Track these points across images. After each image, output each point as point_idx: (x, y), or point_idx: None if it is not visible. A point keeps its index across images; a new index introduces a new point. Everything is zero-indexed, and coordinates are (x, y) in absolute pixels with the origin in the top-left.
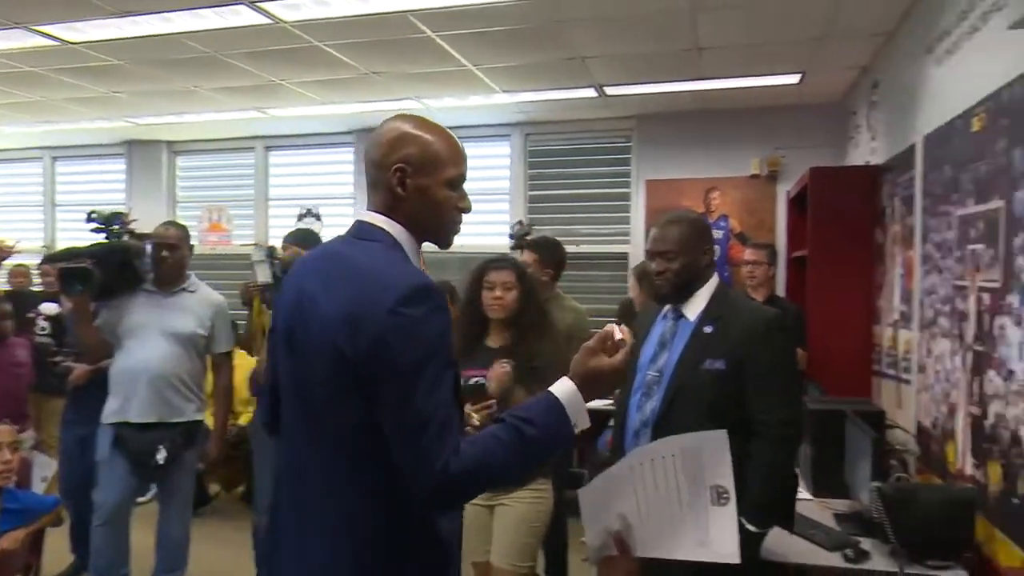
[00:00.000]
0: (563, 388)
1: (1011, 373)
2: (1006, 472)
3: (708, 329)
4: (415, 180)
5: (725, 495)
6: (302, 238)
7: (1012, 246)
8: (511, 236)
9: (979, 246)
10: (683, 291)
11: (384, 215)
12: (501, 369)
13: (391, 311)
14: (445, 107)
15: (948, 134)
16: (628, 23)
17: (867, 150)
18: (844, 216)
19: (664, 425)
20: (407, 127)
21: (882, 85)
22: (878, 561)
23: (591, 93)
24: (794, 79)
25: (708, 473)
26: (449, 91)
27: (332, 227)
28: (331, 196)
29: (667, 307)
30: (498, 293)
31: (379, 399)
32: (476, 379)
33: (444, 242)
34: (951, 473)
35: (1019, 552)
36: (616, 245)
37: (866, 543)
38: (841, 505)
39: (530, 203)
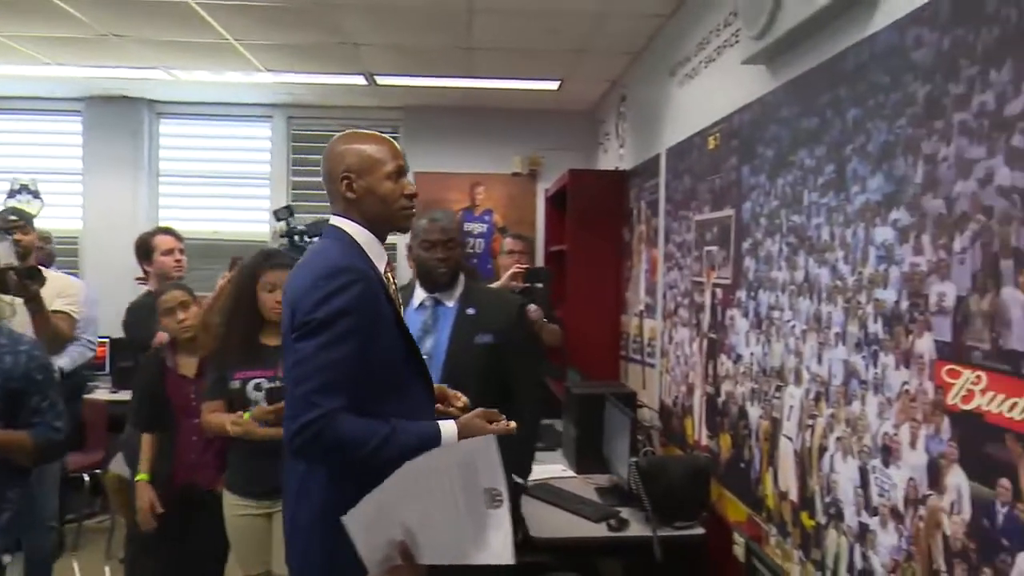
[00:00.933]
0: (447, 425)
1: (739, 357)
2: (734, 441)
3: (471, 311)
4: (360, 182)
5: (498, 497)
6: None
7: (740, 249)
8: (278, 219)
9: (713, 248)
10: (455, 278)
11: (344, 217)
12: None
13: (312, 285)
14: (198, 80)
15: (688, 148)
16: (404, 14)
17: (616, 156)
18: (598, 214)
19: None
20: (343, 144)
21: (629, 99)
22: (635, 527)
23: (360, 80)
24: (554, 85)
25: (482, 477)
26: (205, 64)
27: (55, 206)
28: (55, 171)
29: (422, 298)
30: (280, 296)
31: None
32: (259, 381)
33: (402, 227)
34: (689, 444)
35: (744, 508)
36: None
37: (626, 512)
38: (602, 480)
39: (294, 189)
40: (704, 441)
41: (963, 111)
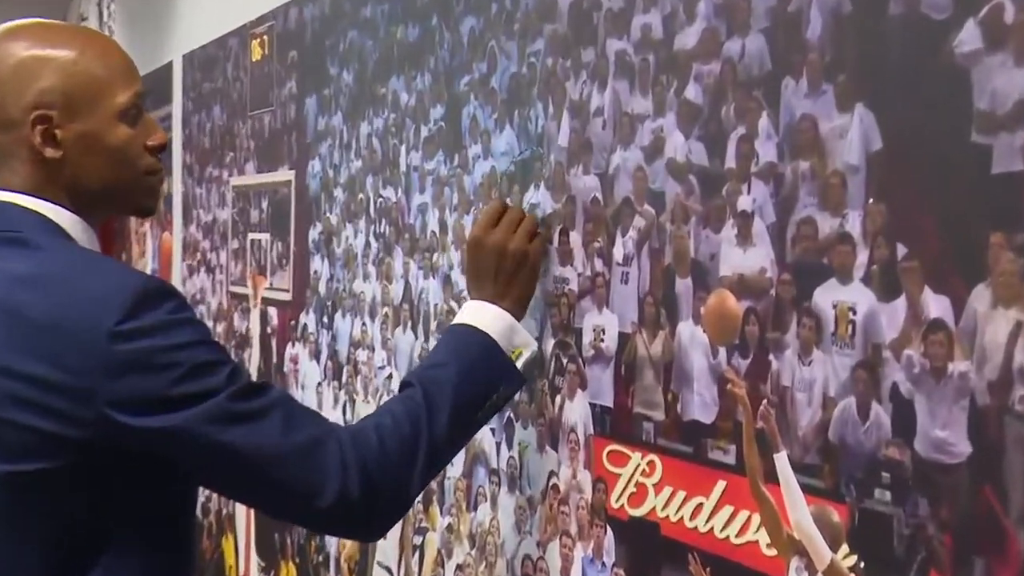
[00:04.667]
0: (470, 312)
1: None
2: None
3: None
4: (69, 127)
5: None
6: None
7: (307, 239)
8: None
9: (263, 236)
10: None
11: (32, 196)
12: None
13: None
14: None
15: (217, 58)
16: None
17: None
18: None
19: None
20: (25, 49)
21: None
22: None
23: None
24: None
25: None
26: None
27: None
28: None
29: None
30: None
31: None
32: None
33: (146, 207)
34: None
35: None
36: None
37: None
38: None
39: None
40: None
41: (620, 37)
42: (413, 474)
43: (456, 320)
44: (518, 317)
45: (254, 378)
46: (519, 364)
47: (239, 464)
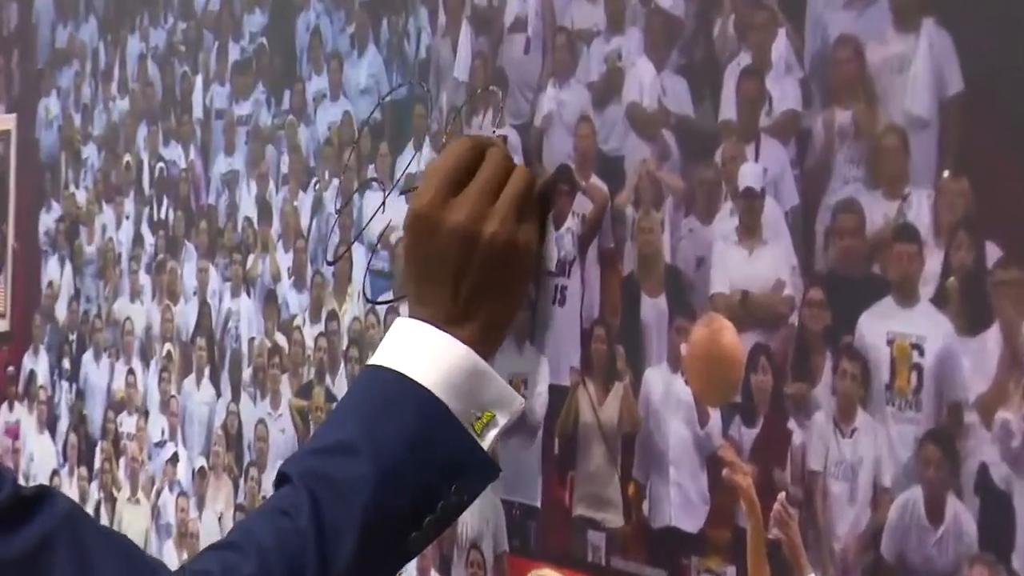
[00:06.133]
0: (404, 342)
1: None
2: None
3: None
4: None
5: None
6: None
7: None
8: None
9: None
10: None
11: None
12: None
13: None
14: None
15: None
16: None
17: None
18: None
19: None
20: None
21: None
22: None
23: None
24: None
25: None
26: None
27: None
28: None
29: None
30: None
31: None
32: None
33: None
34: None
35: None
36: None
37: None
38: None
39: None
40: None
41: None
42: None
43: (378, 357)
44: (489, 353)
45: None
46: (487, 441)
47: None
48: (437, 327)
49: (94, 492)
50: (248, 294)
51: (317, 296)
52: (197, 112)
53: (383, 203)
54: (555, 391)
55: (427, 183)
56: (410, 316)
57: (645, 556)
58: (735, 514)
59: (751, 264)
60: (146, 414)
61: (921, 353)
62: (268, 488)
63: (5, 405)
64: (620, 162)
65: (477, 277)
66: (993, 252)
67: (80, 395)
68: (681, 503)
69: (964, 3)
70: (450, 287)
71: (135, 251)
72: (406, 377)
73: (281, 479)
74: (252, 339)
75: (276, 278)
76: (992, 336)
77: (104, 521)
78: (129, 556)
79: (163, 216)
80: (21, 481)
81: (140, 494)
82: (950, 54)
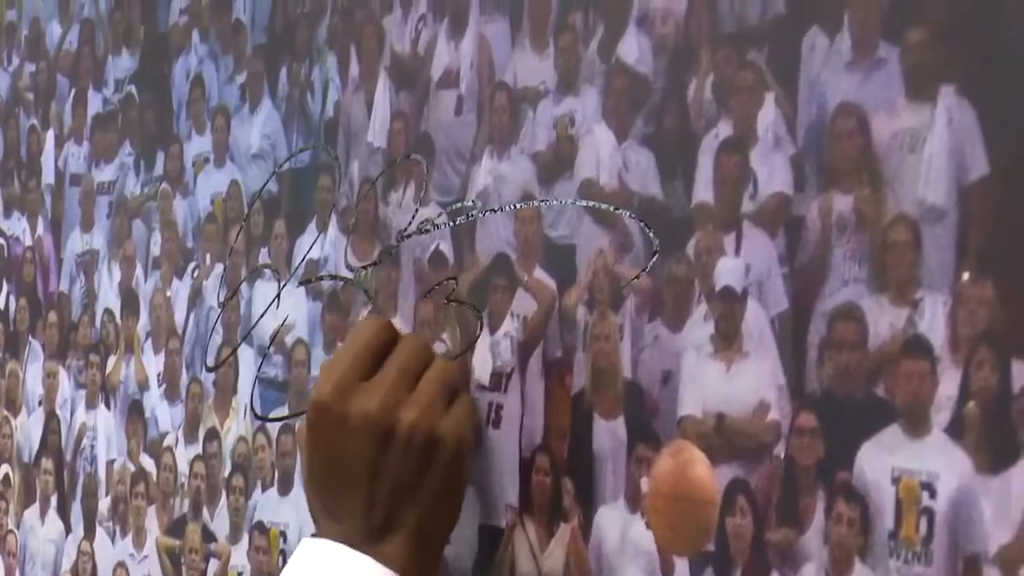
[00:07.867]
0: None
1: None
2: None
3: None
4: None
5: None
6: None
7: None
8: None
9: None
10: None
11: None
12: None
13: None
14: None
15: None
16: None
17: None
18: None
19: None
20: None
21: None
22: None
23: None
24: None
25: None
26: None
27: None
28: None
29: None
30: None
31: None
32: None
33: None
34: None
35: None
36: None
37: None
38: None
39: None
40: None
41: None
42: None
43: None
44: (423, 571)
45: None
46: None
47: None
48: (352, 547)
49: None
50: (107, 405)
51: (193, 410)
52: (47, 177)
53: (277, 296)
54: (487, 533)
55: (331, 368)
56: (318, 535)
57: None
58: None
59: (729, 382)
60: None
61: (932, 494)
62: None
63: None
64: (571, 252)
65: (397, 477)
66: (1020, 373)
67: None
68: None
69: (990, 69)
70: (364, 494)
71: None
72: None
73: None
74: (111, 461)
75: (143, 386)
76: (1018, 475)
77: None
78: None
79: (1, 306)
80: None
81: None
82: (973, 130)
